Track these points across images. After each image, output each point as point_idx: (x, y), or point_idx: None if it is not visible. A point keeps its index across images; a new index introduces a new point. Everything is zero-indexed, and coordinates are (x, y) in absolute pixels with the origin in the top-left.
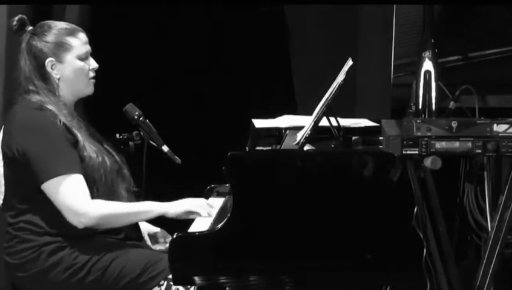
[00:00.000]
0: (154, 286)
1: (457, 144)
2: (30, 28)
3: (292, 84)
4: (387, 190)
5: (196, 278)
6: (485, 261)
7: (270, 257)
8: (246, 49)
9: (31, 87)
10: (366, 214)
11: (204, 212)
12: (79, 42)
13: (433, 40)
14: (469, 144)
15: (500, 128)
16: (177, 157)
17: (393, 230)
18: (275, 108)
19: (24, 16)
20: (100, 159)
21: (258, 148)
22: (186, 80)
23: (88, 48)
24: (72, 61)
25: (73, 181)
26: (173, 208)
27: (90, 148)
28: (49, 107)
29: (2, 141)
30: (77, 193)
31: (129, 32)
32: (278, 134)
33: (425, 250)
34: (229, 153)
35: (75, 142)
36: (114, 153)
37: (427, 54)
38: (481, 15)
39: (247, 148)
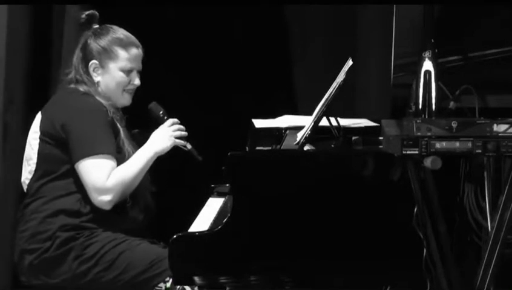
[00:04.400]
0: (159, 282)
1: (457, 144)
2: (96, 26)
3: (292, 84)
4: (387, 190)
5: (196, 278)
6: (485, 261)
7: (270, 257)
8: (246, 49)
9: (78, 77)
10: (366, 214)
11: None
12: (127, 56)
13: (433, 40)
14: (469, 144)
15: (500, 128)
16: (199, 155)
17: (393, 230)
18: (275, 108)
19: (96, 12)
20: None
21: (258, 148)
22: (186, 80)
23: (134, 64)
24: (113, 71)
25: (100, 162)
26: (162, 149)
27: (128, 145)
28: (98, 98)
29: (41, 122)
30: (97, 172)
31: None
32: (278, 134)
33: (425, 250)
34: (229, 153)
35: (116, 136)
36: None
37: (427, 54)
38: (481, 15)
39: (247, 148)
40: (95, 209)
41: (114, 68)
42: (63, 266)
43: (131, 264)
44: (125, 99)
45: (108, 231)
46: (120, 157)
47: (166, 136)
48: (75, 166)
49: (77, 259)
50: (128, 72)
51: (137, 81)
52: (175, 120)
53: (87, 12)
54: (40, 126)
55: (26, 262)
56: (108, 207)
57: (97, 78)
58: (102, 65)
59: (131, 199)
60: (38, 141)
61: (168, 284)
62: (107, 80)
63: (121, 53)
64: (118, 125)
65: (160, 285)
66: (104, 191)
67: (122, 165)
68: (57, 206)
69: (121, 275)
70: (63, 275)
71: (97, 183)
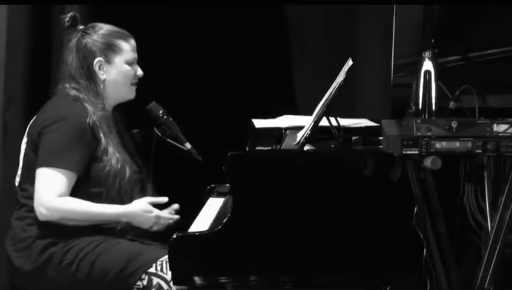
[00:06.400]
0: (136, 280)
1: (457, 144)
2: (81, 26)
3: (292, 84)
4: (387, 189)
5: (196, 278)
6: (485, 261)
7: (270, 257)
8: (245, 49)
9: (73, 84)
10: (366, 214)
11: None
12: (129, 47)
13: (432, 40)
14: (469, 144)
15: (500, 128)
16: (199, 155)
17: (393, 230)
18: (275, 108)
19: (76, 14)
20: (118, 166)
21: (258, 148)
22: (185, 80)
23: (135, 55)
24: (120, 64)
25: (56, 175)
26: (136, 223)
27: (113, 155)
28: (86, 104)
29: (30, 125)
30: (50, 186)
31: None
32: (278, 134)
33: (425, 250)
34: (229, 153)
35: (96, 146)
36: (140, 165)
37: (427, 54)
38: (481, 15)
39: (247, 148)
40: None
41: (120, 62)
42: (48, 272)
43: (108, 266)
44: (132, 93)
45: (86, 234)
46: (100, 166)
47: (150, 222)
48: (37, 171)
49: (60, 264)
50: (131, 64)
51: (140, 72)
52: (172, 216)
53: (69, 15)
54: (28, 130)
55: (14, 267)
56: (41, 219)
57: (103, 75)
58: (108, 60)
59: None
60: (25, 145)
61: (145, 282)
62: (114, 75)
63: (124, 45)
64: (102, 135)
65: (137, 283)
66: (44, 205)
67: (82, 202)
68: (33, 215)
69: (101, 277)
70: (53, 281)
71: (42, 196)
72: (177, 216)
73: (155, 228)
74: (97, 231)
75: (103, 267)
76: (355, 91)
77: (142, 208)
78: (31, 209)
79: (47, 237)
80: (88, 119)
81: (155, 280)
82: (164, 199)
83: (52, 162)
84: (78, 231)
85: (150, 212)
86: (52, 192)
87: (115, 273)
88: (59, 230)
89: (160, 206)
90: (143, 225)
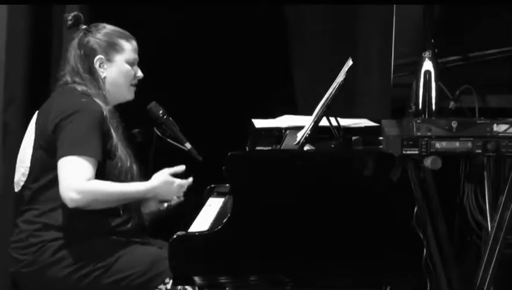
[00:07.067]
0: (160, 283)
1: (457, 144)
2: (84, 26)
3: (292, 84)
4: (387, 190)
5: (196, 278)
6: (485, 261)
7: (270, 257)
8: (246, 48)
9: (77, 79)
10: (366, 214)
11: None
12: (130, 47)
13: (432, 40)
14: (469, 144)
15: (500, 128)
16: (199, 155)
17: (393, 230)
18: (275, 108)
19: (80, 14)
20: (128, 164)
21: (258, 148)
22: (185, 80)
23: (136, 56)
24: (120, 63)
25: (83, 162)
26: (161, 196)
27: (122, 151)
28: (96, 99)
29: (36, 123)
30: (78, 172)
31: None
32: (278, 134)
33: (425, 250)
34: (229, 153)
35: (109, 140)
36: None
37: (427, 54)
38: (481, 15)
39: (247, 148)
40: (88, 222)
41: (121, 60)
42: (55, 272)
43: (131, 267)
44: (131, 94)
45: (101, 238)
46: (114, 163)
47: (173, 193)
48: (58, 163)
49: (71, 266)
50: (131, 64)
51: (140, 73)
52: (188, 181)
53: (72, 14)
54: (36, 128)
55: (18, 270)
56: (70, 205)
57: (104, 73)
58: (108, 58)
59: (124, 211)
60: (32, 143)
61: (169, 286)
62: (115, 74)
63: (126, 44)
64: (112, 131)
65: (160, 287)
66: (75, 189)
67: (110, 183)
68: (48, 220)
69: (122, 278)
70: (58, 282)
71: (72, 181)
72: (191, 179)
73: (176, 198)
74: (111, 234)
75: (126, 268)
76: (355, 91)
77: (165, 180)
78: (40, 214)
79: (59, 240)
80: (104, 112)
81: (180, 286)
82: (182, 168)
83: (77, 150)
84: (91, 234)
85: (173, 183)
86: (81, 176)
87: (137, 275)
88: (71, 233)
89: None
90: (167, 197)
